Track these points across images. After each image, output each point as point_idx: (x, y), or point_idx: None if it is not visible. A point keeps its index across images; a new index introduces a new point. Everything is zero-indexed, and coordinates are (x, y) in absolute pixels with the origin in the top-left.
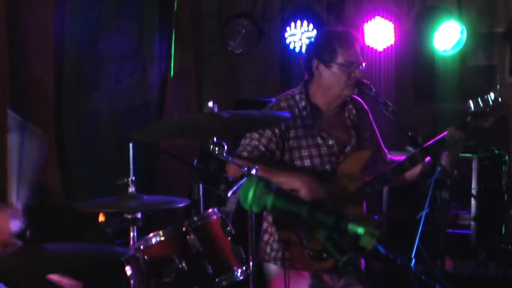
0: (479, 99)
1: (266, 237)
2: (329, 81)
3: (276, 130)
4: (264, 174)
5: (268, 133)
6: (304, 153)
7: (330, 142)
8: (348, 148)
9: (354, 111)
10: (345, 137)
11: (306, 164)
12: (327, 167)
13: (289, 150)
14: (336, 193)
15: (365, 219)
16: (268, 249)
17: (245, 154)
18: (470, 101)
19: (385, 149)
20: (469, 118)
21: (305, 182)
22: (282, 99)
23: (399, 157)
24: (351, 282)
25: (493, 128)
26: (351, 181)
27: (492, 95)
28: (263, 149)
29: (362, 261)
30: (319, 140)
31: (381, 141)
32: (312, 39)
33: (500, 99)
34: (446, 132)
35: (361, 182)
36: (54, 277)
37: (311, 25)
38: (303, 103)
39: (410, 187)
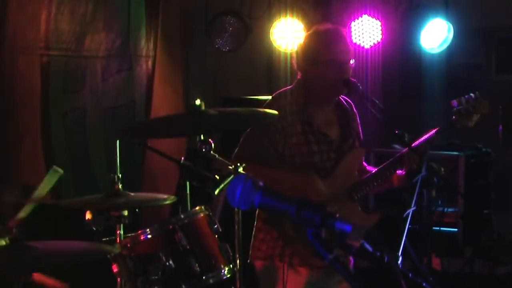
0: (462, 98)
1: (261, 235)
2: (318, 79)
3: (279, 126)
4: (270, 175)
5: (270, 129)
6: (304, 149)
7: (330, 139)
8: (346, 145)
9: (348, 110)
10: (342, 134)
11: (306, 160)
12: (327, 164)
13: (289, 147)
14: (335, 190)
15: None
16: (264, 247)
17: (247, 152)
18: (454, 100)
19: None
20: (454, 117)
21: (309, 183)
22: (280, 96)
23: (372, 167)
24: (342, 280)
25: (480, 126)
26: (349, 178)
27: (475, 94)
28: (266, 145)
29: (351, 259)
30: (319, 137)
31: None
32: (300, 40)
33: (483, 98)
34: (436, 129)
35: (357, 179)
36: (39, 277)
37: (298, 23)
38: (300, 100)
39: None
